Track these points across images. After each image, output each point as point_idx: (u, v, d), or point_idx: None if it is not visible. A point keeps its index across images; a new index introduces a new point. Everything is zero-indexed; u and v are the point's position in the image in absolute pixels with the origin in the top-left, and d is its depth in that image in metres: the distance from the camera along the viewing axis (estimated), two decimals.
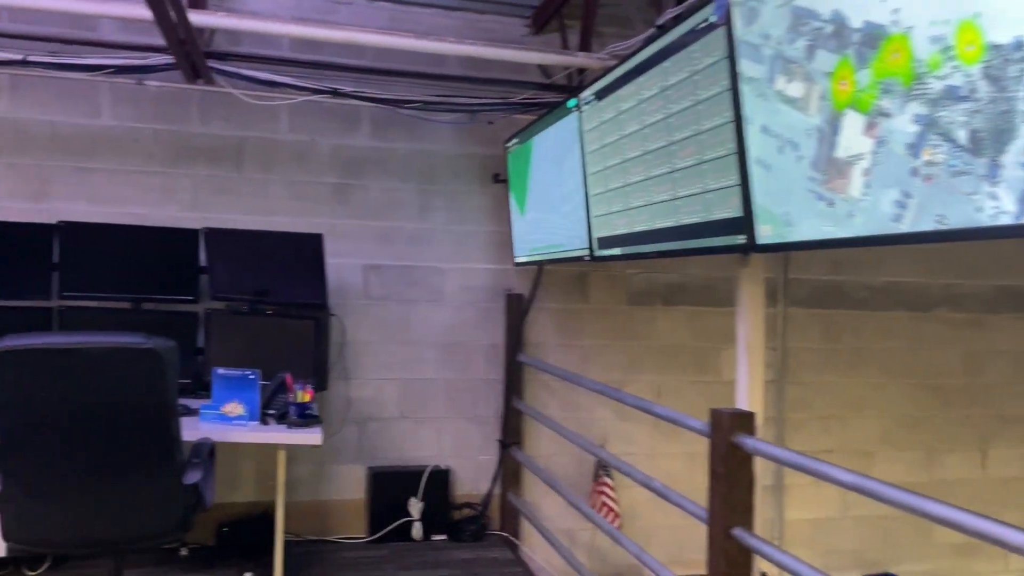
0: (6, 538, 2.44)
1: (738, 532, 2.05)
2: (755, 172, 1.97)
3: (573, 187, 3.15)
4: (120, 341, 2.29)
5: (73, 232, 3.48)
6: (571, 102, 3.10)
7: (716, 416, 2.11)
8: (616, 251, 2.82)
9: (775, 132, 1.89)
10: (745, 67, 1.96)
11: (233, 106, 3.79)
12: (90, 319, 3.48)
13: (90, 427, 2.35)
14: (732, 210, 2.07)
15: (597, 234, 2.97)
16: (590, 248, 3.04)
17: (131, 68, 3.39)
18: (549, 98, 3.80)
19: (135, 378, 2.34)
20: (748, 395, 2.30)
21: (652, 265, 4.33)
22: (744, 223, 2.01)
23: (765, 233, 1.96)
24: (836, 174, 1.70)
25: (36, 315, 3.42)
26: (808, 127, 1.77)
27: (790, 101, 1.83)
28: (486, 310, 4.18)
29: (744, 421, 2.08)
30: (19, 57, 3.23)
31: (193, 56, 3.16)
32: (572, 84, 3.66)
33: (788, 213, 1.86)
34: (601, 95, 2.83)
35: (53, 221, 3.49)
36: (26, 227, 3.43)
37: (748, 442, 2.04)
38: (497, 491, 4.15)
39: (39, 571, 3.33)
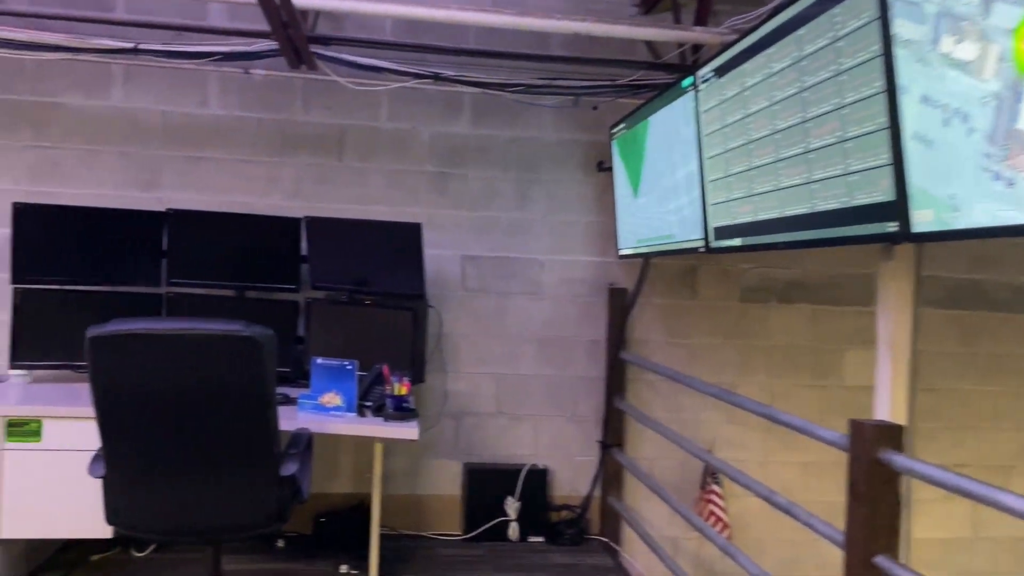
0: (109, 522, 2.45)
1: (881, 560, 1.80)
2: (912, 149, 1.71)
3: (687, 173, 2.92)
4: (219, 328, 2.24)
5: (181, 220, 3.52)
6: (686, 81, 2.88)
7: (857, 428, 1.87)
8: (736, 242, 2.59)
9: (939, 102, 1.62)
10: (902, 28, 1.71)
11: (335, 94, 3.76)
12: (196, 306, 3.52)
13: (189, 414, 2.33)
14: (881, 193, 1.81)
15: (714, 223, 2.74)
16: (705, 239, 2.81)
17: (237, 55, 3.38)
18: (659, 79, 3.57)
19: (234, 366, 2.30)
20: (891, 405, 2.03)
21: (767, 259, 4.03)
22: (896, 208, 1.76)
23: (923, 219, 1.70)
24: (1019, 149, 1.43)
25: (147, 301, 3.48)
26: (983, 95, 1.50)
27: (959, 65, 1.56)
28: (587, 304, 4.00)
29: (891, 435, 1.82)
30: (131, 45, 3.27)
31: (296, 41, 3.12)
32: (685, 63, 3.42)
33: (954, 196, 1.59)
34: (721, 71, 2.60)
35: (163, 209, 3.54)
36: (138, 215, 3.49)
37: (896, 459, 1.79)
38: (597, 494, 3.97)
39: (145, 552, 3.39)
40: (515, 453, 3.93)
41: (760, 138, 2.36)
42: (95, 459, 2.43)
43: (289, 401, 3.14)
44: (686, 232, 2.98)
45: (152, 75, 3.66)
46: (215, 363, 2.28)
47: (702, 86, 2.76)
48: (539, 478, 3.83)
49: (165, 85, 3.68)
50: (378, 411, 3.03)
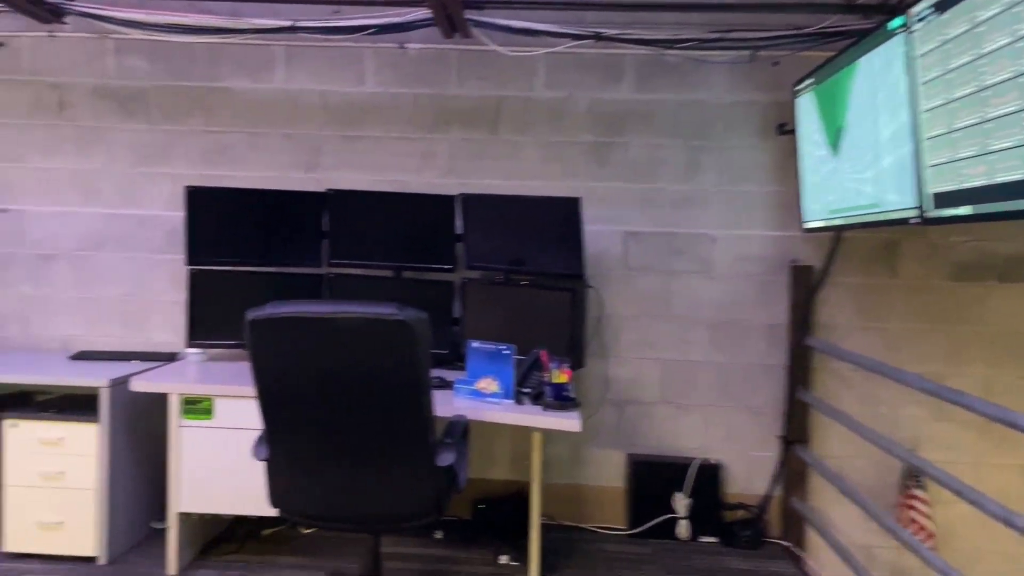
0: (273, 504, 2.44)
1: None
2: None
3: (894, 131, 2.48)
4: (371, 311, 2.13)
5: (340, 200, 3.51)
6: (895, 22, 2.43)
7: None
8: (963, 210, 2.14)
9: None
10: None
11: (489, 64, 3.59)
12: (355, 286, 3.49)
13: (344, 400, 2.25)
14: None
15: (933, 189, 2.29)
16: (920, 207, 2.36)
17: (392, 27, 3.29)
18: (852, 25, 3.10)
19: (386, 350, 2.18)
20: None
21: (985, 231, 3.45)
22: None
23: None
24: None
25: (309, 282, 3.50)
26: None
27: None
28: (765, 284, 3.61)
29: None
30: (289, 23, 3.26)
31: (449, 7, 2.96)
32: (887, 2, 2.93)
33: None
34: (943, 6, 2.15)
35: (323, 189, 3.53)
36: (300, 196, 3.51)
37: None
38: (777, 494, 3.59)
39: (312, 530, 3.44)
40: (683, 445, 3.63)
41: (1000, 83, 1.91)
42: (259, 441, 2.41)
43: (446, 384, 3.04)
44: (892, 200, 2.54)
45: (311, 55, 3.66)
46: (367, 347, 2.17)
47: (917, 26, 2.30)
48: (711, 474, 3.52)
49: (323, 64, 3.67)
50: (536, 399, 2.84)
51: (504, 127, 3.65)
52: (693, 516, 3.49)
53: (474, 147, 3.66)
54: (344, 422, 2.27)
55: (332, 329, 2.15)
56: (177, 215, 3.45)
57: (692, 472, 3.49)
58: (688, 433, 3.64)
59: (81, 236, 3.75)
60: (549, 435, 3.55)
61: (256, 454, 2.40)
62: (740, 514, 3.57)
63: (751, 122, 3.60)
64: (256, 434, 2.45)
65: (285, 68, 3.68)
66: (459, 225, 3.49)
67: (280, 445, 2.36)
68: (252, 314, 2.17)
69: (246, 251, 3.46)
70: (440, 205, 3.47)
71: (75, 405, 3.13)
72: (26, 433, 3.09)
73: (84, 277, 3.75)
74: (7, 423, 3.09)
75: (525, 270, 3.39)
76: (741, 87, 3.58)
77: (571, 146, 3.64)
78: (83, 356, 3.51)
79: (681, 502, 3.49)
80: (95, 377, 3.09)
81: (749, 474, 3.62)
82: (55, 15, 3.40)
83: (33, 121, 3.72)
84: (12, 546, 3.10)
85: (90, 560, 3.10)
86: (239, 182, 3.64)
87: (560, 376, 2.81)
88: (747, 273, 3.62)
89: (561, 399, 2.79)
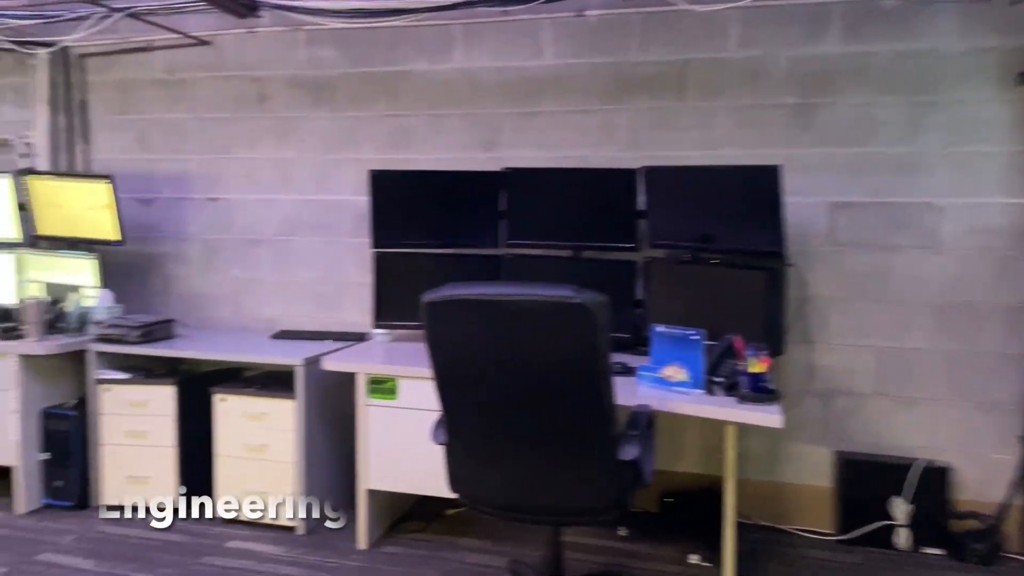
0: (451, 489, 2.40)
1: None
2: None
3: None
4: (546, 294, 2.00)
5: (517, 179, 3.42)
6: None
7: None
8: None
9: None
10: None
11: (674, 26, 3.33)
12: (533, 267, 3.40)
13: (520, 386, 2.14)
14: None
15: None
16: None
17: None
18: None
19: (563, 335, 2.04)
20: None
21: None
22: None
23: None
24: None
25: (487, 263, 3.45)
26: None
27: None
28: (1005, 260, 3.08)
29: None
30: None
31: None
32: None
33: None
34: None
35: (500, 169, 3.46)
36: (477, 176, 3.47)
37: None
38: (1017, 502, 3.07)
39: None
40: (901, 444, 3.20)
41: None
42: (437, 425, 2.38)
43: (628, 371, 2.85)
44: None
45: (488, 32, 3.59)
46: (543, 332, 2.04)
47: None
48: (937, 477, 3.07)
49: (500, 41, 3.59)
50: (730, 389, 2.58)
51: (692, 93, 3.38)
52: (914, 524, 3.07)
53: (658, 116, 3.42)
54: (520, 410, 2.17)
55: (507, 313, 2.04)
56: (364, 199, 3.53)
57: (915, 474, 3.06)
58: (909, 430, 3.20)
59: (279, 222, 3.96)
60: (745, 428, 3.26)
61: (434, 437, 2.37)
62: (972, 524, 3.09)
63: (986, 72, 3.07)
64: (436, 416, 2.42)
65: (463, 47, 3.64)
66: (642, 201, 3.27)
67: (457, 430, 2.30)
68: (427, 296, 2.12)
69: (427, 233, 3.47)
70: (621, 180, 3.27)
71: (276, 382, 3.30)
72: (233, 407, 3.30)
73: (283, 260, 3.96)
74: (217, 397, 3.32)
75: (715, 248, 3.11)
76: (974, 31, 3.06)
77: (768, 110, 3.30)
78: (283, 335, 3.71)
79: (900, 507, 3.07)
80: (291, 356, 3.23)
81: (983, 479, 3.12)
82: (250, 9, 3.59)
83: (237, 114, 3.97)
84: (223, 511, 3.33)
85: (289, 530, 3.26)
86: (421, 164, 3.66)
87: (758, 365, 2.53)
88: (982, 247, 3.10)
89: (759, 390, 2.51)
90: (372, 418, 3.07)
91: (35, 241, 3.95)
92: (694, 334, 2.59)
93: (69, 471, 3.47)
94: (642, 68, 3.43)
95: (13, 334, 3.45)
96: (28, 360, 3.40)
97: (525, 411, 2.18)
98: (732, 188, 3.05)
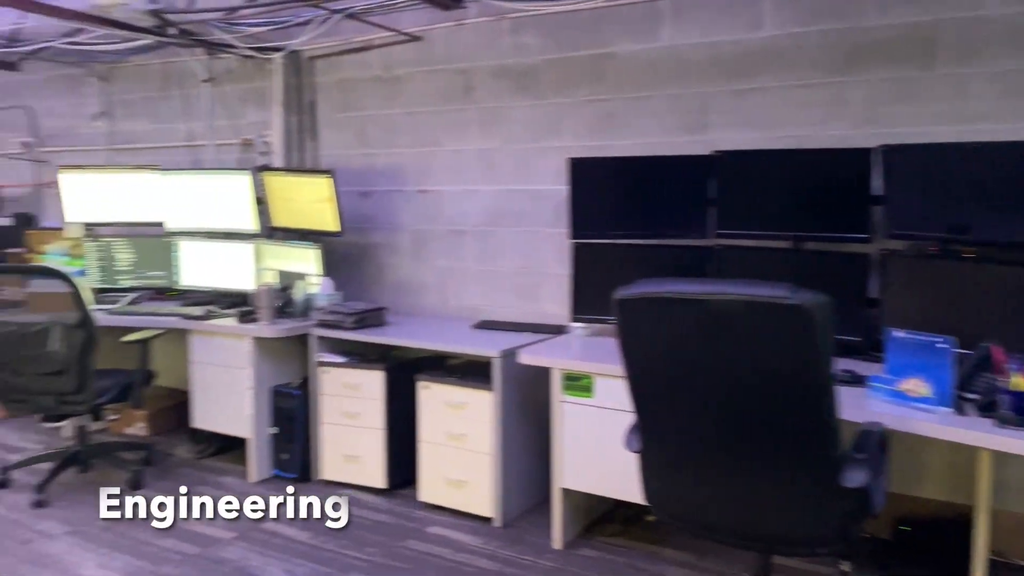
0: (646, 500, 2.23)
1: None
2: None
3: None
4: (758, 293, 1.76)
5: (728, 162, 3.13)
6: None
7: None
8: None
9: None
10: None
11: None
12: (745, 260, 3.11)
13: (725, 396, 1.92)
14: None
15: None
16: None
17: None
18: None
19: (777, 341, 1.79)
20: None
21: None
22: None
23: None
24: None
25: (693, 255, 3.20)
26: None
27: None
28: None
29: None
30: None
31: None
32: None
33: None
34: None
35: (709, 152, 3.19)
36: (683, 160, 3.23)
37: None
38: None
39: None
40: None
41: None
42: (631, 431, 2.21)
43: (857, 380, 2.49)
44: None
45: (700, 6, 3.32)
46: (753, 336, 1.81)
47: None
48: None
49: (713, 13, 3.30)
50: (986, 409, 2.16)
51: (943, 59, 2.89)
52: None
53: (900, 88, 2.97)
54: (723, 422, 1.95)
55: (709, 313, 1.83)
56: (563, 188, 3.44)
57: None
58: None
59: (483, 212, 3.98)
60: (1003, 454, 2.75)
61: (628, 444, 2.21)
62: None
63: None
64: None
65: (672, 23, 3.40)
66: (877, 185, 2.85)
67: (652, 439, 2.12)
68: (620, 292, 1.96)
69: (628, 222, 3.30)
70: (852, 161, 2.88)
71: (476, 372, 3.31)
72: (436, 395, 3.37)
73: (486, 250, 3.99)
74: (421, 384, 3.40)
75: (970, 239, 2.63)
76: None
77: None
78: (484, 325, 3.73)
79: None
80: (488, 347, 3.22)
81: None
82: (455, 0, 3.61)
83: (445, 107, 4.04)
84: (426, 496, 3.42)
85: (486, 520, 3.26)
86: (623, 150, 3.48)
87: (1022, 382, 2.09)
88: None
89: (1022, 412, 2.07)
90: (567, 415, 2.97)
91: (271, 232, 4.31)
92: (942, 342, 2.20)
93: (294, 445, 3.75)
94: (881, 32, 2.99)
95: (249, 318, 3.77)
96: (260, 342, 3.70)
97: (731, 424, 1.95)
98: (992, 169, 2.57)
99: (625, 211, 3.31)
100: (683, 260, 3.21)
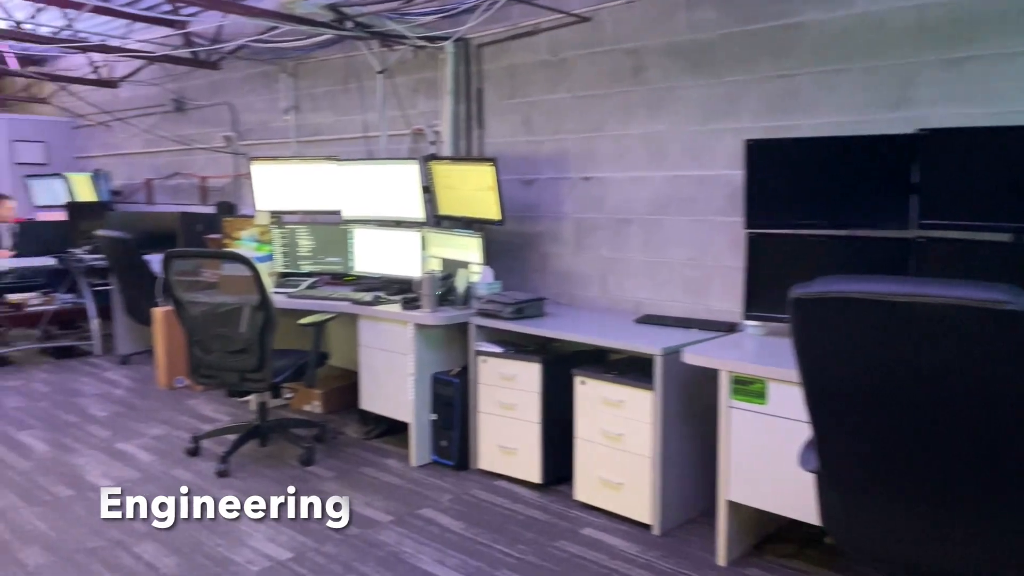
0: (824, 525, 1.96)
1: None
2: None
3: None
4: (968, 296, 1.45)
5: (937, 143, 2.70)
6: None
7: None
8: None
9: None
10: None
11: None
12: (956, 256, 2.68)
13: (922, 413, 1.62)
14: None
15: None
16: None
17: None
18: None
19: (991, 353, 1.48)
20: None
21: None
22: None
23: None
24: None
25: (891, 249, 2.81)
26: None
27: None
28: None
29: None
30: None
31: None
32: None
33: None
34: None
35: (913, 131, 2.78)
36: (881, 141, 2.84)
37: None
38: None
39: None
40: None
41: None
42: (807, 447, 1.95)
43: None
44: None
45: None
46: (960, 346, 1.50)
47: None
48: None
49: None
50: None
51: None
52: None
53: None
54: (921, 443, 1.65)
55: (906, 318, 1.54)
56: (738, 173, 3.15)
57: None
58: None
59: (649, 200, 3.77)
60: None
61: (803, 462, 1.94)
62: None
63: None
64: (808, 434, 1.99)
65: None
66: None
67: (832, 458, 1.85)
68: (797, 291, 1.70)
69: (813, 211, 2.95)
70: None
71: (637, 369, 3.13)
72: (593, 391, 3.22)
73: (652, 240, 3.77)
74: (578, 379, 3.27)
75: None
76: None
77: None
78: (647, 320, 3.53)
79: None
80: (650, 344, 3.03)
81: None
82: None
83: (611, 90, 3.86)
84: (581, 495, 3.29)
85: (645, 527, 3.08)
86: (808, 131, 3.14)
87: None
88: None
89: None
90: (736, 422, 2.72)
91: (437, 221, 4.35)
92: None
93: (452, 433, 3.76)
94: None
95: (413, 305, 3.82)
96: (422, 329, 3.73)
97: (928, 446, 1.65)
98: None
99: (809, 198, 2.97)
100: (877, 255, 2.83)
